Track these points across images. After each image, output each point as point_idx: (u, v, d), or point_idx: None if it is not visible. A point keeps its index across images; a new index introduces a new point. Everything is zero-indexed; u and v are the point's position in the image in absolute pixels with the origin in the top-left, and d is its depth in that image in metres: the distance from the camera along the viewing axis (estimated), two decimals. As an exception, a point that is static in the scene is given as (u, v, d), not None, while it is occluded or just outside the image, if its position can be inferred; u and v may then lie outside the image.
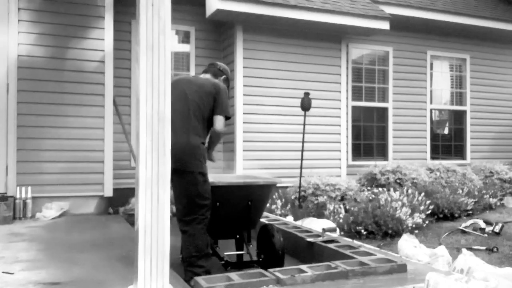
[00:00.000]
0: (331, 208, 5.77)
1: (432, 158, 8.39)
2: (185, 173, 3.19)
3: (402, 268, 2.95)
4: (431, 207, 5.83)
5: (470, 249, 4.27)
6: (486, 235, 5.16)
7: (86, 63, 5.71)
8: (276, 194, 6.27)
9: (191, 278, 2.87)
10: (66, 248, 3.78)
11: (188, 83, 3.49)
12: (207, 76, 3.67)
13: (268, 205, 5.55)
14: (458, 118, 8.91)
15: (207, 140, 3.57)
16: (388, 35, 7.84)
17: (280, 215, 5.71)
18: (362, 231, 5.14)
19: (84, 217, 5.44)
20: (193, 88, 3.43)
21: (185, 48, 6.96)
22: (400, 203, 5.49)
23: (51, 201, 5.47)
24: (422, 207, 5.67)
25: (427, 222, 5.61)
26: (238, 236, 3.54)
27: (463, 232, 5.33)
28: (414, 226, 5.33)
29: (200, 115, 3.37)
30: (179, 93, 3.37)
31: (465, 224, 5.46)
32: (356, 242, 3.79)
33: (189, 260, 3.14)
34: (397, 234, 5.08)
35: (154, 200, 2.20)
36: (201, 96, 3.40)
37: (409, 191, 6.01)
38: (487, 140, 8.97)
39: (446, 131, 8.98)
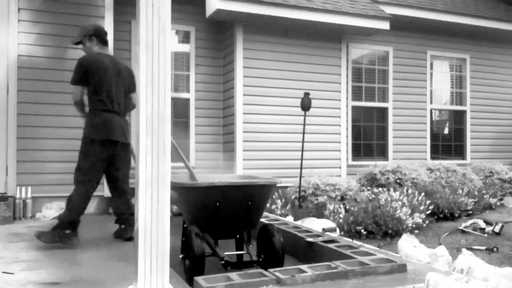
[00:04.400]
0: (331, 208, 5.77)
1: (432, 158, 8.40)
2: (127, 145, 4.15)
3: (402, 268, 2.95)
4: (431, 207, 5.83)
5: (470, 249, 4.27)
6: (486, 235, 5.16)
7: (86, 63, 5.70)
8: (276, 194, 6.27)
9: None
10: (66, 248, 3.78)
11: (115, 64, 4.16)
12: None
13: (268, 205, 5.55)
14: (458, 118, 8.91)
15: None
16: (388, 35, 7.85)
17: (280, 215, 5.71)
18: (362, 231, 5.15)
19: (84, 217, 5.42)
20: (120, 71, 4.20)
21: (185, 48, 6.96)
22: (400, 203, 5.50)
23: (51, 201, 5.47)
24: (422, 207, 5.67)
25: (427, 222, 5.62)
26: (238, 236, 3.54)
27: (463, 232, 5.33)
28: (414, 226, 5.33)
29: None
30: (115, 73, 4.08)
31: (465, 224, 5.46)
32: (356, 242, 3.79)
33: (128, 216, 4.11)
34: (397, 234, 5.08)
35: (154, 200, 2.20)
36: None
37: (409, 191, 6.02)
38: (487, 140, 8.97)
39: (446, 131, 8.98)
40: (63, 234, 3.82)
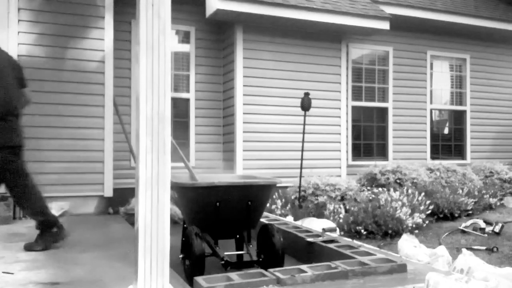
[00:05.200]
0: (331, 208, 5.77)
1: (432, 158, 8.40)
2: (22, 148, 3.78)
3: (402, 268, 2.95)
4: (431, 207, 5.83)
5: (470, 249, 4.27)
6: (486, 235, 5.16)
7: (86, 63, 5.70)
8: (276, 194, 6.27)
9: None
10: (66, 248, 3.78)
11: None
12: None
13: (268, 205, 5.55)
14: (458, 118, 8.91)
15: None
16: (388, 35, 7.85)
17: (280, 215, 5.71)
18: (362, 231, 5.14)
19: (84, 217, 5.44)
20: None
21: (185, 48, 6.96)
22: (400, 203, 5.49)
23: (51, 201, 5.43)
24: (422, 207, 5.67)
25: (427, 222, 5.62)
26: (238, 236, 3.54)
27: (463, 232, 5.33)
28: (414, 226, 5.33)
29: None
30: (11, 69, 3.68)
31: (465, 224, 5.46)
32: (356, 242, 3.79)
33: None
34: (397, 234, 5.08)
35: (154, 200, 2.20)
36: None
37: (409, 191, 6.01)
38: (487, 140, 8.98)
39: (446, 131, 8.98)
40: (53, 234, 3.75)
